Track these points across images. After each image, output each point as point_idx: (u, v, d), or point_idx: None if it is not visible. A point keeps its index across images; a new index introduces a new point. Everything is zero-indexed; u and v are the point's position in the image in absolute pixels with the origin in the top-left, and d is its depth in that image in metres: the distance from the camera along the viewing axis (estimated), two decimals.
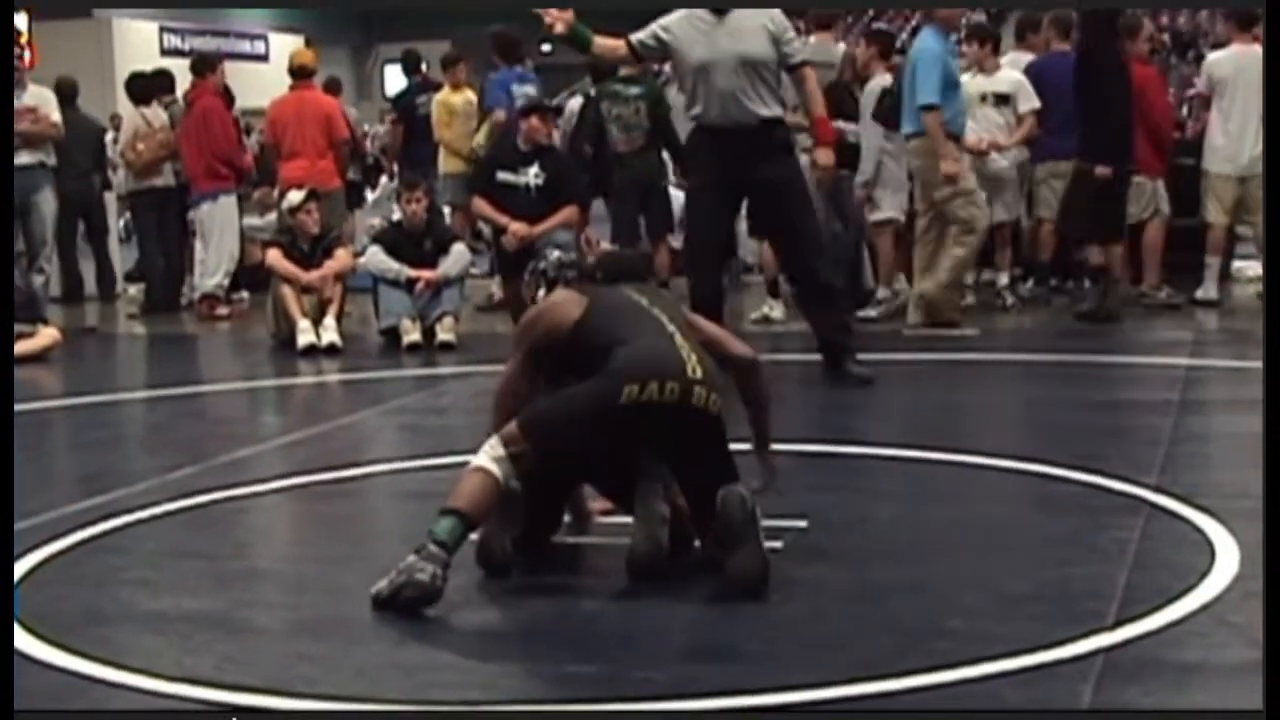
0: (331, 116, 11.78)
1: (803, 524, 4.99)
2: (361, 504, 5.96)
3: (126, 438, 7.77)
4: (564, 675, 3.82)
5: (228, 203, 11.93)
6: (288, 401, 8.75)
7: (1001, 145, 10.29)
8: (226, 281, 11.89)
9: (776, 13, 7.82)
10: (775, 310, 10.19)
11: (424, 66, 13.79)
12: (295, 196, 10.26)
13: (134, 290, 13.09)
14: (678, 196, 10.46)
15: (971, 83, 10.16)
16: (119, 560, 5.01)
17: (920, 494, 5.66)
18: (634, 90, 10.60)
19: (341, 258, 10.13)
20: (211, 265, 11.87)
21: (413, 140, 12.93)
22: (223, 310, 11.74)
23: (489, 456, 4.45)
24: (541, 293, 4.96)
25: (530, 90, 11.35)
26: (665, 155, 10.80)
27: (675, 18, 7.81)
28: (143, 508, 5.57)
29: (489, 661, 4.03)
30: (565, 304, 4.74)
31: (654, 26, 7.84)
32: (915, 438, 6.46)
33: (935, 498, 5.60)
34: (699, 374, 4.51)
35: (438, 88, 12.82)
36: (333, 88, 14.27)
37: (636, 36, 7.88)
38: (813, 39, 10.59)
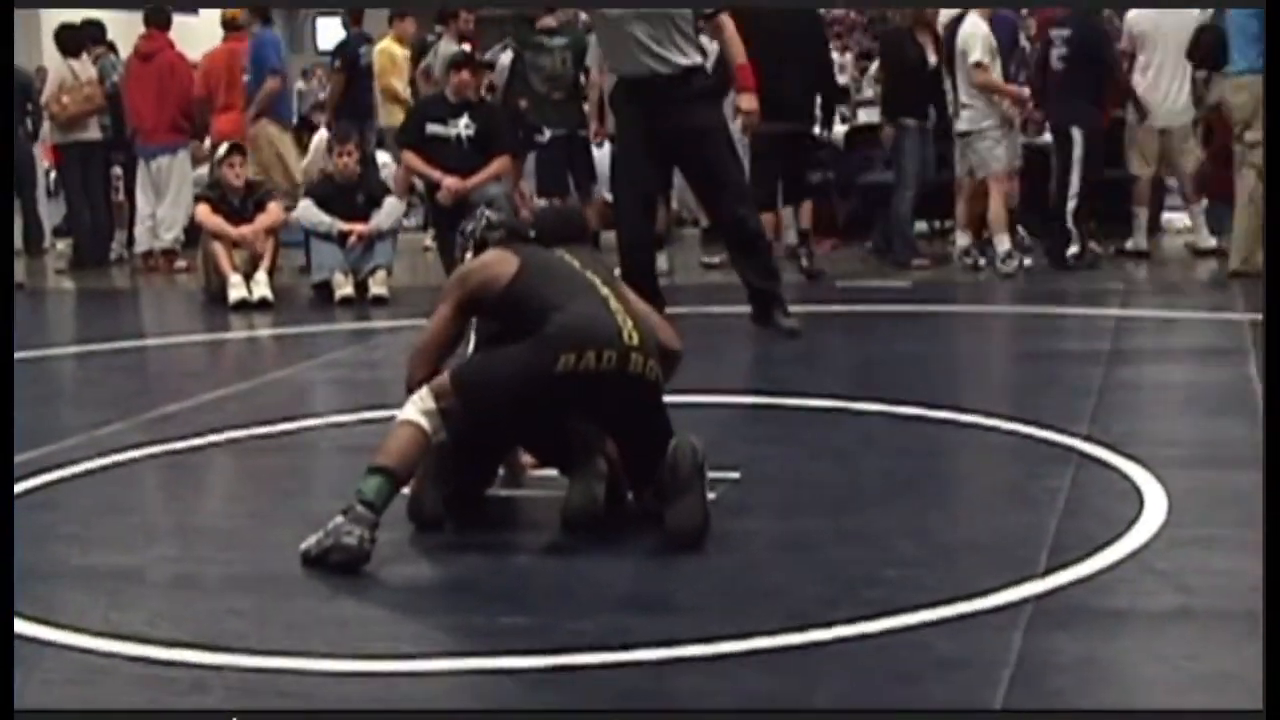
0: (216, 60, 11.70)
1: (735, 475, 5.00)
2: (293, 458, 5.93)
3: (56, 394, 7.69)
4: (496, 628, 3.82)
5: (184, 156, 11.85)
6: (219, 356, 8.68)
7: None
8: (183, 236, 11.79)
9: None
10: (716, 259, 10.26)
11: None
12: (223, 149, 10.18)
13: (62, 245, 12.95)
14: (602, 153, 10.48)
15: None
16: (49, 516, 4.97)
17: (853, 446, 5.68)
18: (558, 41, 10.60)
19: (273, 211, 10.04)
20: (170, 219, 11.76)
21: (353, 90, 12.82)
22: (181, 264, 11.65)
23: (418, 410, 4.43)
24: (470, 255, 4.92)
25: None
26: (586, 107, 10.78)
27: None
28: (73, 463, 5.52)
29: (420, 616, 4.03)
30: (498, 263, 4.68)
31: None
32: (849, 390, 6.48)
33: (868, 449, 5.62)
34: (635, 340, 4.49)
35: (372, 41, 12.73)
36: None
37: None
38: None
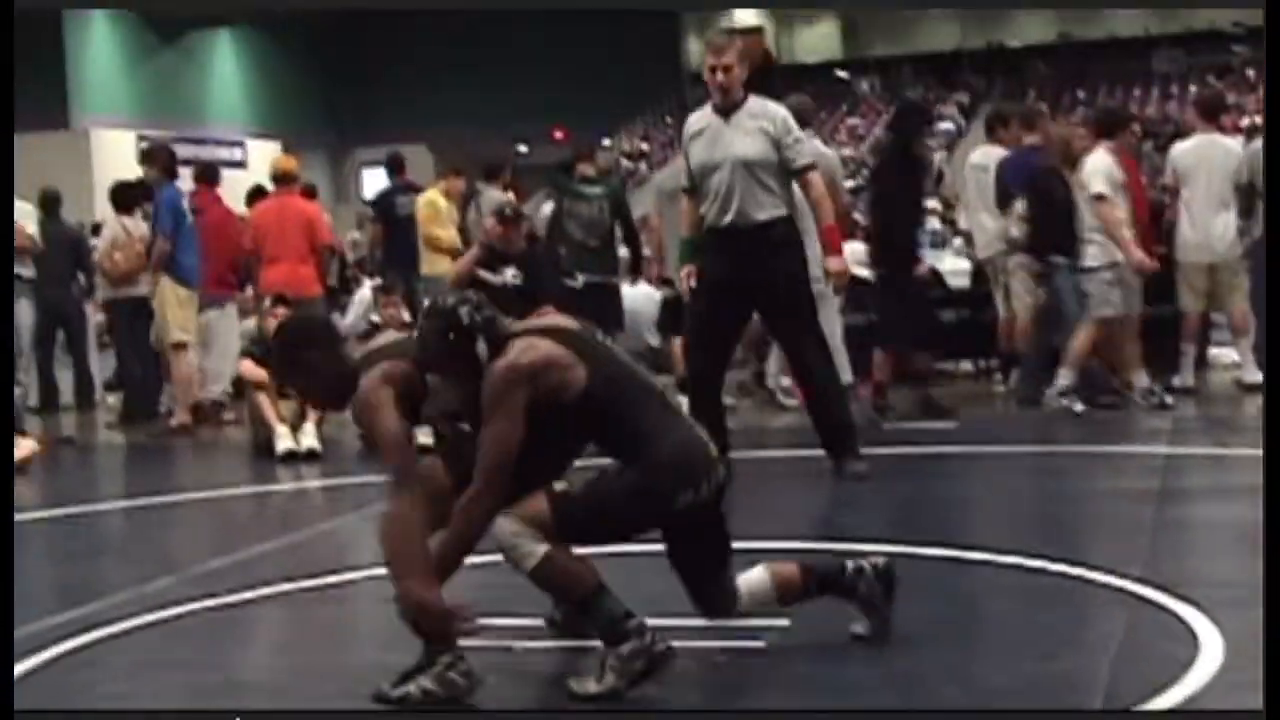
0: (313, 222, 11.84)
1: (785, 623, 4.95)
2: (341, 611, 5.91)
3: (104, 549, 7.72)
4: None
5: (231, 309, 12.01)
6: (266, 509, 8.70)
7: None
8: (231, 389, 11.89)
9: (779, 114, 7.69)
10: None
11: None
12: (268, 301, 10.31)
13: (112, 399, 13.06)
14: (636, 293, 10.62)
15: None
16: (95, 674, 4.96)
17: (903, 589, 5.61)
18: (595, 190, 10.76)
19: None
20: (217, 372, 11.89)
21: (392, 240, 12.98)
22: (229, 415, 11.75)
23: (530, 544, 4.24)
24: (452, 338, 4.40)
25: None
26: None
27: (692, 117, 7.86)
28: (120, 620, 5.52)
29: None
30: (562, 359, 4.31)
31: (683, 147, 7.91)
32: (897, 532, 6.44)
33: (917, 591, 5.56)
34: (715, 454, 4.47)
35: (418, 190, 12.91)
36: (309, 193, 14.33)
37: (688, 181, 7.84)
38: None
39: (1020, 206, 10.23)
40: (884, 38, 46.51)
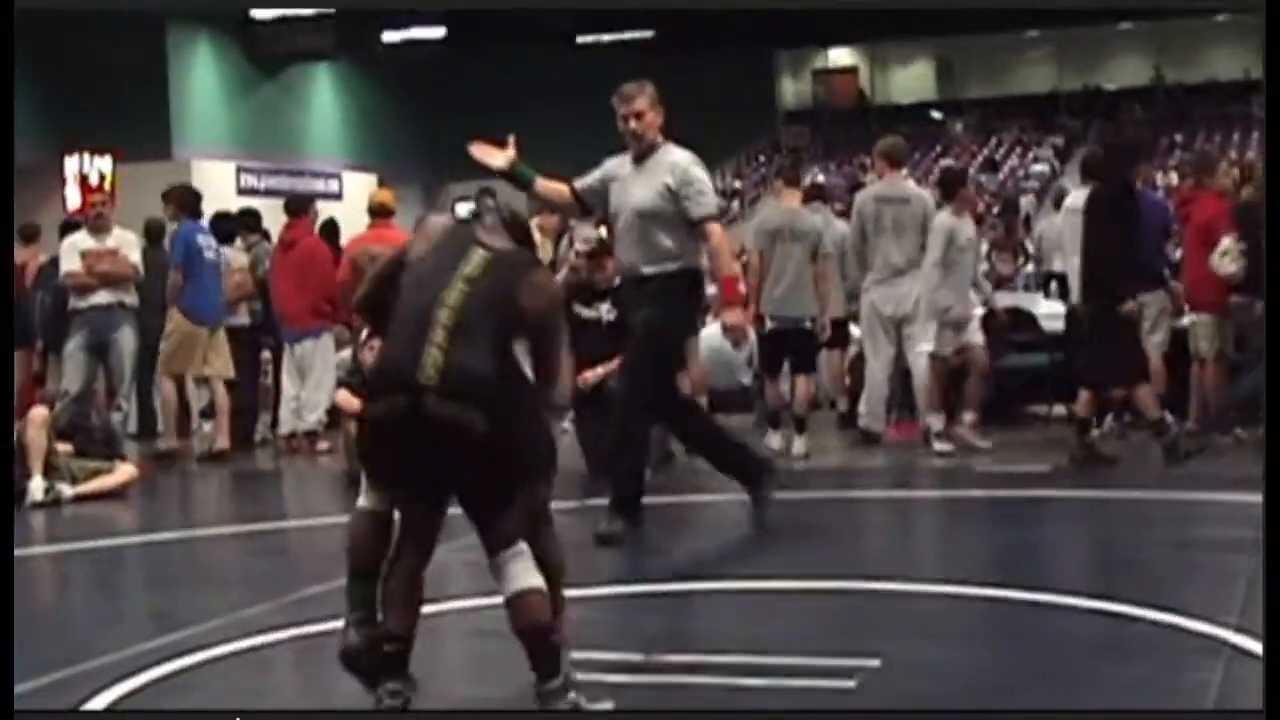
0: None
1: (875, 663, 4.94)
2: (431, 642, 5.93)
3: (200, 575, 7.79)
4: None
5: (328, 340, 12.12)
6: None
7: None
8: (326, 419, 12.01)
9: (684, 161, 7.50)
10: (775, 441, 10.58)
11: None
12: (364, 334, 10.37)
13: (208, 427, 13.21)
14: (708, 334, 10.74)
15: None
16: (189, 698, 5.03)
17: (994, 634, 5.60)
18: None
19: None
20: (312, 401, 12.01)
21: None
22: (323, 445, 11.86)
23: None
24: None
25: (210, 243, 11.76)
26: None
27: (614, 159, 7.69)
28: (215, 645, 5.58)
29: None
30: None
31: (598, 170, 7.73)
32: (989, 575, 6.40)
33: (1010, 638, 5.54)
34: (433, 378, 4.17)
35: None
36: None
37: (580, 182, 7.73)
38: (884, 176, 10.78)
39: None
40: (979, 79, 46.33)
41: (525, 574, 4.32)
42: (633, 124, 7.52)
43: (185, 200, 12.03)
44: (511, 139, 7.41)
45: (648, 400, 7.60)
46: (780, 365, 10.81)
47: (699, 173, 7.52)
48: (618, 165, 7.67)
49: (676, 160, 7.51)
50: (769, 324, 10.74)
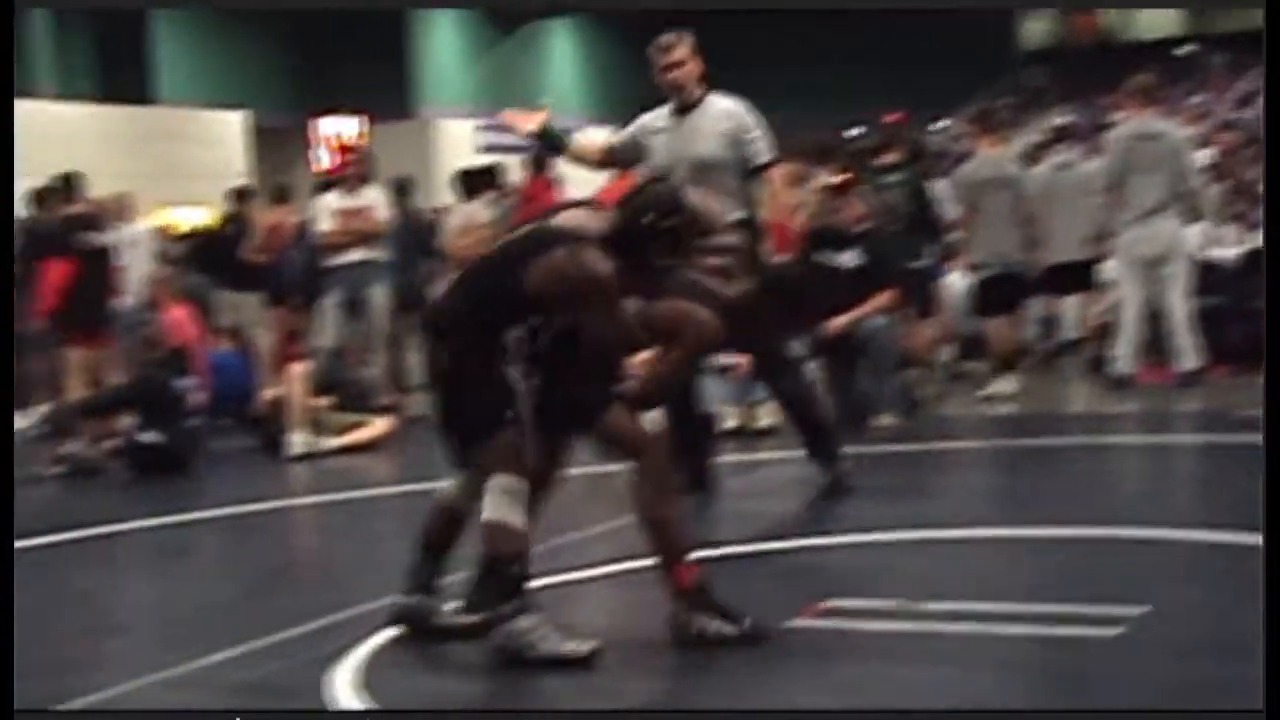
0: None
1: (1140, 611, 4.82)
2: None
3: None
4: None
5: None
6: (607, 489, 8.83)
7: None
8: None
9: (738, 108, 7.36)
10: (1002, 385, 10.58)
11: None
12: None
13: None
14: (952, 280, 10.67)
15: None
16: (457, 644, 5.12)
17: (1256, 583, 5.41)
18: (895, 177, 10.74)
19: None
20: None
21: None
22: None
23: None
24: None
25: None
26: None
27: (650, 116, 7.49)
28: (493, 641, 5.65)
29: None
30: None
31: (631, 125, 7.55)
32: (1246, 523, 6.19)
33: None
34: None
35: None
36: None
37: (610, 139, 7.59)
38: (1136, 114, 10.52)
39: None
40: (1229, 11, 44.80)
41: (489, 507, 4.84)
42: (674, 74, 7.36)
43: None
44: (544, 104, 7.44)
45: (783, 354, 7.57)
46: (997, 309, 10.92)
47: (754, 118, 7.39)
48: (654, 119, 7.48)
49: (730, 108, 7.38)
50: (982, 271, 10.97)
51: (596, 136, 7.96)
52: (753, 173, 7.36)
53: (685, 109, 7.35)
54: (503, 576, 4.79)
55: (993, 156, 11.28)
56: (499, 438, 4.84)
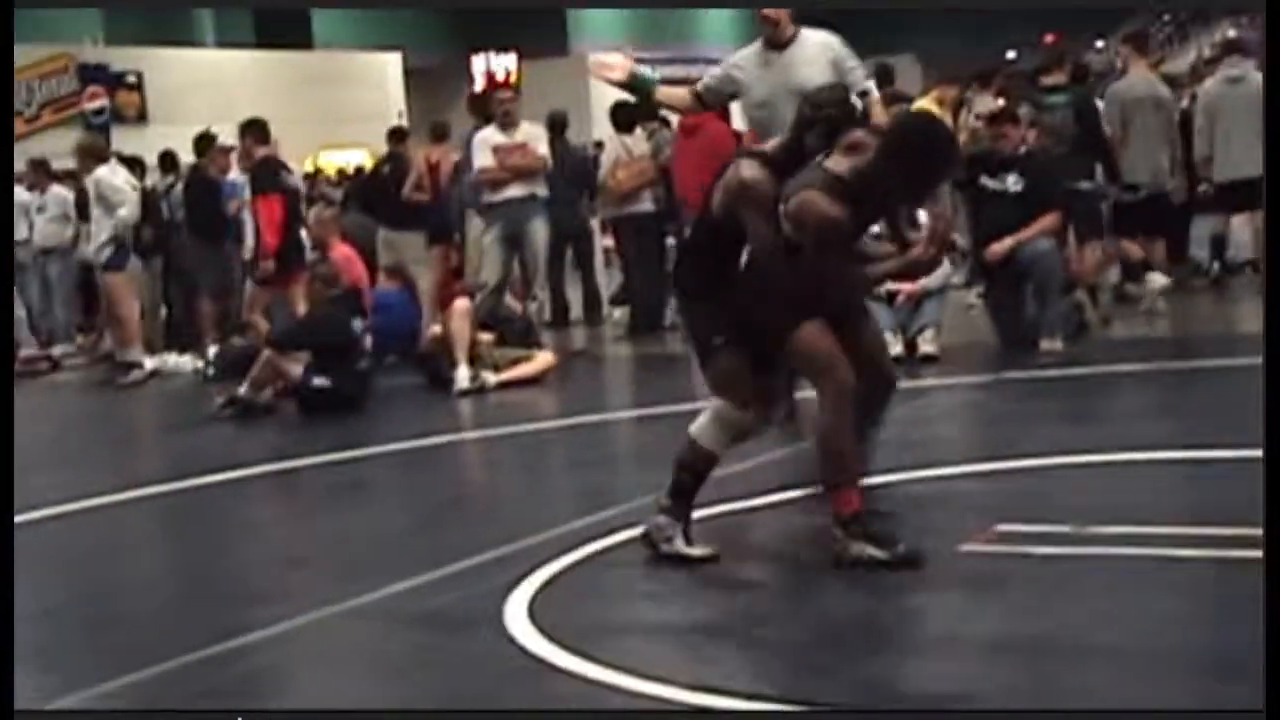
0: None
1: None
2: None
3: (620, 457, 8.02)
4: None
5: None
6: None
7: None
8: None
9: (834, 39, 7.35)
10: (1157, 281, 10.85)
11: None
12: None
13: (618, 314, 13.51)
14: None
15: None
16: (627, 574, 5.18)
17: None
18: (1059, 98, 10.57)
19: None
20: None
21: None
22: None
23: None
24: None
25: None
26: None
27: (741, 54, 7.46)
28: (641, 524, 5.70)
29: None
30: None
31: (720, 67, 7.50)
32: None
33: None
34: None
35: (909, 100, 12.81)
36: None
37: (703, 83, 7.53)
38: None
39: None
40: None
41: (698, 423, 5.36)
42: (771, 11, 7.35)
43: (478, 108, 12.48)
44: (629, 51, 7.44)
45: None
46: (1147, 230, 11.11)
47: (848, 48, 7.43)
48: (746, 58, 7.44)
49: (827, 39, 7.38)
50: (1130, 193, 10.96)
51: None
52: (860, 96, 7.31)
53: (782, 44, 7.37)
54: (677, 480, 5.29)
55: (1144, 76, 11.27)
56: (713, 363, 5.29)
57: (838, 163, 5.02)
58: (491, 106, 12.04)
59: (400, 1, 31.50)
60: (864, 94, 7.33)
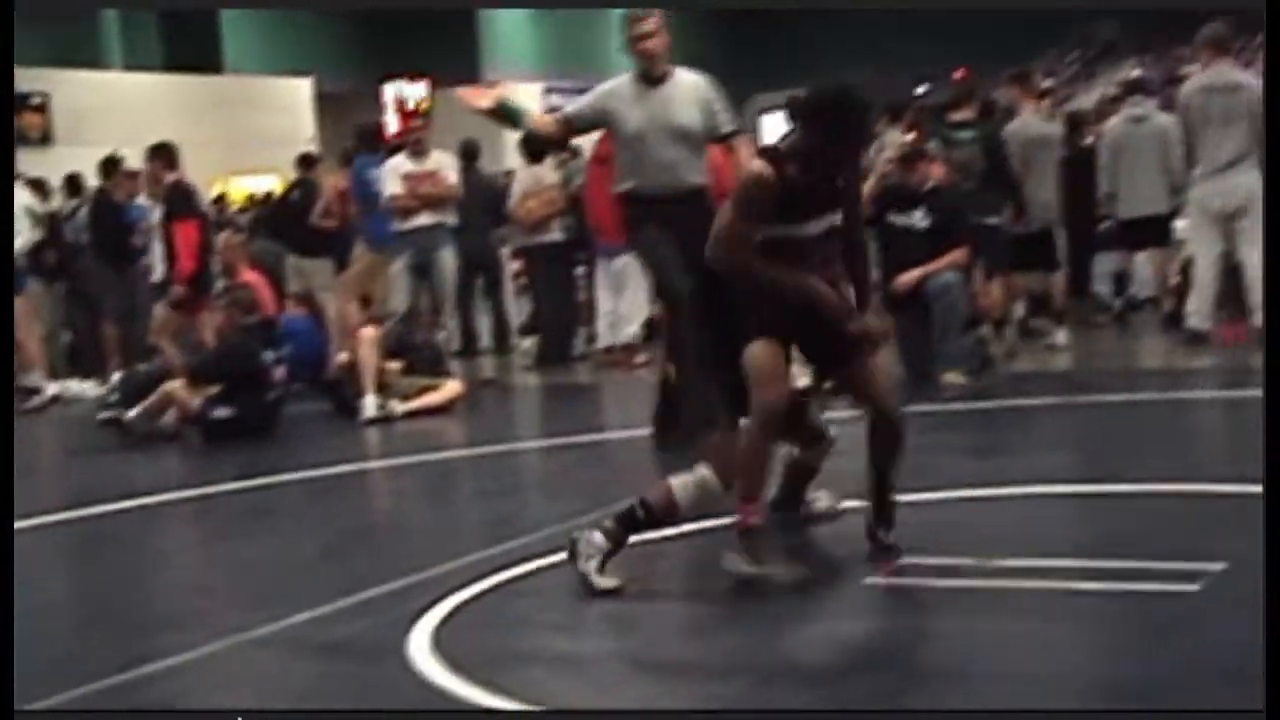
0: (720, 168, 11.91)
1: (1219, 567, 4.80)
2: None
3: (528, 485, 8.00)
4: None
5: None
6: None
7: None
8: (643, 332, 12.16)
9: (704, 80, 7.69)
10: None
11: None
12: None
13: (527, 343, 13.50)
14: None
15: None
16: (532, 603, 5.17)
17: None
18: (968, 134, 10.70)
19: None
20: (629, 315, 12.17)
21: None
22: (640, 358, 12.02)
23: None
24: None
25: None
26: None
27: (609, 86, 7.73)
28: (551, 553, 5.70)
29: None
30: None
31: (591, 96, 7.75)
32: None
33: None
34: None
35: None
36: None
37: (572, 110, 7.80)
38: (1210, 66, 10.41)
39: None
40: None
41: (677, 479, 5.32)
42: (647, 44, 7.63)
43: (362, 135, 12.62)
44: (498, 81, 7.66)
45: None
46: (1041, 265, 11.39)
47: (717, 91, 7.76)
48: (618, 88, 7.69)
49: (698, 79, 7.72)
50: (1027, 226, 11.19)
51: None
52: (722, 139, 7.73)
53: (656, 79, 7.62)
54: (631, 512, 5.28)
55: (1034, 113, 11.59)
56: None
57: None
58: (379, 140, 12.14)
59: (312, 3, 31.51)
60: (730, 135, 7.70)
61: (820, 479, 5.92)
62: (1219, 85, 10.34)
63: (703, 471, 5.22)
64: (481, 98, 7.53)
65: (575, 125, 7.86)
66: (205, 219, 11.68)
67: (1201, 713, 3.11)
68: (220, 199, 22.27)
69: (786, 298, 5.11)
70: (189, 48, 28.95)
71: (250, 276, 10.34)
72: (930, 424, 7.91)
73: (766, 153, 5.19)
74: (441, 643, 4.65)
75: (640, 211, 7.81)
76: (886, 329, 5.51)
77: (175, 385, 9.60)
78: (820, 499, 5.89)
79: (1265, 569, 3.48)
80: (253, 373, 9.60)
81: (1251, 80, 10.74)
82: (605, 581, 5.17)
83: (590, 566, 5.16)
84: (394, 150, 12.20)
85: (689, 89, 7.66)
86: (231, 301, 10.17)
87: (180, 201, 11.49)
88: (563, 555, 5.38)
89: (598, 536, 5.20)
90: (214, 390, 9.54)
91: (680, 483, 5.24)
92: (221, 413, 9.46)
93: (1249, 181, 10.17)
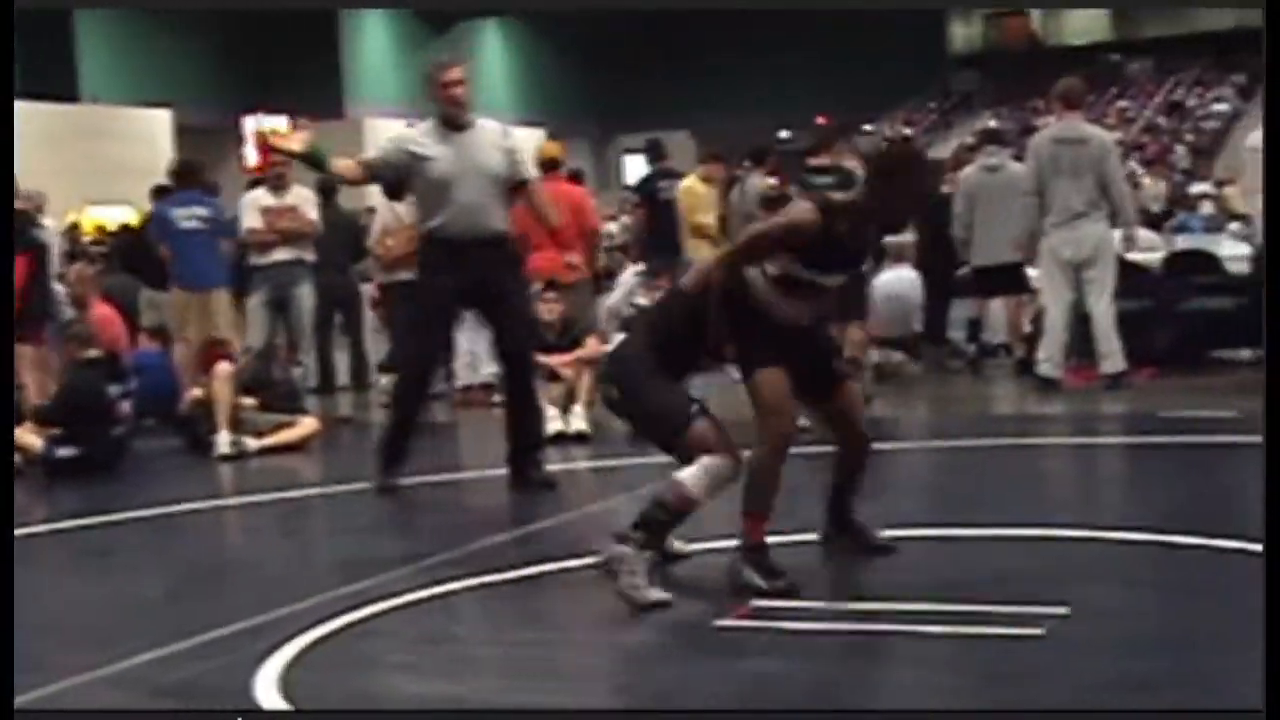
0: (582, 207, 11.96)
1: (1063, 611, 4.87)
2: (609, 591, 5.97)
3: (380, 525, 7.91)
4: None
5: None
6: (537, 489, 8.83)
7: None
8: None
9: (504, 127, 8.13)
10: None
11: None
12: (538, 286, 10.46)
13: (385, 380, 13.38)
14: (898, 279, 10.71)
15: None
16: (380, 644, 5.12)
17: (1178, 582, 5.49)
18: (825, 180, 10.84)
19: (590, 345, 10.27)
20: (486, 355, 12.10)
21: (655, 224, 13.11)
22: (498, 398, 11.94)
23: None
24: None
25: (193, 211, 11.49)
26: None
27: (410, 131, 8.08)
28: (399, 594, 5.66)
29: None
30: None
31: (394, 141, 8.05)
32: (1175, 523, 6.28)
33: (1194, 586, 5.43)
34: None
35: (679, 176, 12.99)
36: (576, 179, 14.51)
37: (368, 156, 8.12)
38: (1062, 118, 10.63)
39: None
40: (1157, 17, 45.27)
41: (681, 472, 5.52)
42: (455, 91, 7.94)
43: (175, 172, 12.50)
44: (305, 124, 8.31)
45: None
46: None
47: (513, 139, 8.16)
48: (426, 135, 7.95)
49: (500, 128, 8.13)
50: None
51: (529, 137, 8.21)
52: (519, 186, 8.05)
53: (462, 126, 7.91)
54: (648, 515, 5.44)
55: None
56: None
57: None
58: (192, 179, 11.98)
59: None
60: (526, 182, 8.06)
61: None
62: (1070, 137, 10.57)
63: (705, 460, 5.39)
64: (292, 141, 7.84)
65: (375, 170, 8.07)
66: (39, 250, 11.30)
67: (1202, 713, 3.13)
68: (74, 228, 21.91)
69: (781, 327, 5.42)
70: (45, 76, 28.51)
71: (100, 310, 10.15)
72: (788, 467, 7.94)
73: (818, 200, 5.40)
74: (289, 684, 4.59)
75: (440, 254, 7.98)
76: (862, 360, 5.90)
77: (20, 430, 9.39)
78: (671, 540, 5.89)
79: (1265, 569, 3.52)
80: (97, 409, 9.42)
81: (1101, 134, 11.01)
82: (655, 594, 5.21)
83: (637, 581, 5.20)
84: (254, 184, 12.08)
85: (493, 135, 7.96)
86: (70, 336, 9.99)
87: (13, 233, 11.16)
88: (415, 595, 5.34)
89: (629, 550, 5.26)
90: (57, 431, 9.35)
91: (689, 474, 5.39)
92: (65, 452, 9.28)
93: (1098, 231, 10.41)
